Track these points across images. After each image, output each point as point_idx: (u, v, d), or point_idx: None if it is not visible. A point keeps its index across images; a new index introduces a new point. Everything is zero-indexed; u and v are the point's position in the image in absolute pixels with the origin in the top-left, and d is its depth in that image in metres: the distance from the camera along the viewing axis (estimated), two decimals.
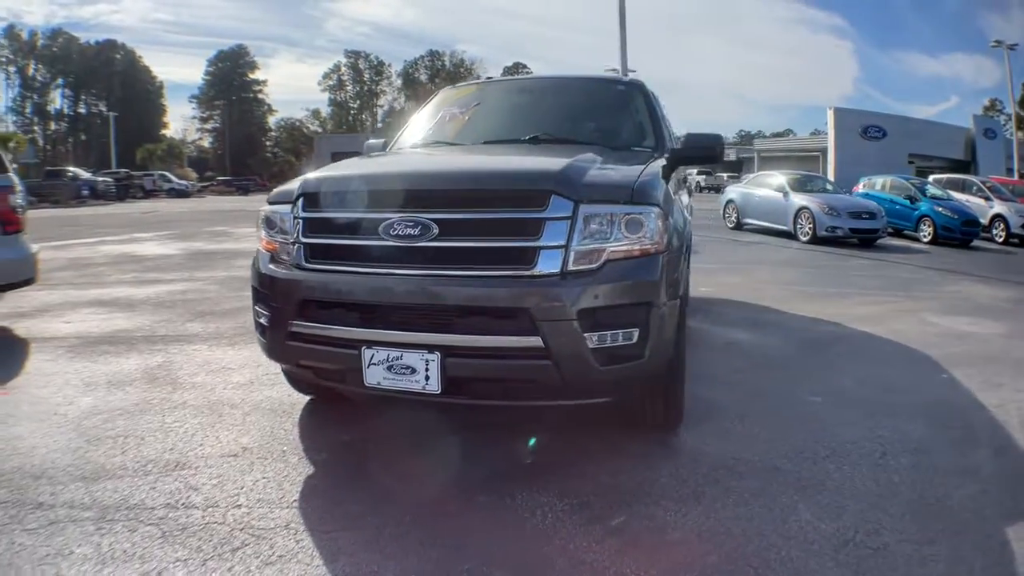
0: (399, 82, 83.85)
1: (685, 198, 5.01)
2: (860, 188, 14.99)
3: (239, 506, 2.11)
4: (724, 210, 14.85)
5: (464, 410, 2.85)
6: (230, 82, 78.49)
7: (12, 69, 69.63)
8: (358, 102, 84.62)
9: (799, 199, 12.23)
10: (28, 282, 4.30)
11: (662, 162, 3.12)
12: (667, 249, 2.30)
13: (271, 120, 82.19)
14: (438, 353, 2.09)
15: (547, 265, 2.10)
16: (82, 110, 73.23)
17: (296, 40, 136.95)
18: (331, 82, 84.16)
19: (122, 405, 3.05)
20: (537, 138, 3.23)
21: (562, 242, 2.11)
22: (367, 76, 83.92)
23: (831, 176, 24.94)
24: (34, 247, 4.34)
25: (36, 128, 70.26)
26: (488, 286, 2.08)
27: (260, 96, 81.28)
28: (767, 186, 13.62)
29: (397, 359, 2.12)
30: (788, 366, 3.99)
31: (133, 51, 76.97)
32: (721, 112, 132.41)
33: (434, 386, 2.11)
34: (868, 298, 6.50)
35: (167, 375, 3.54)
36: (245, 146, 72.24)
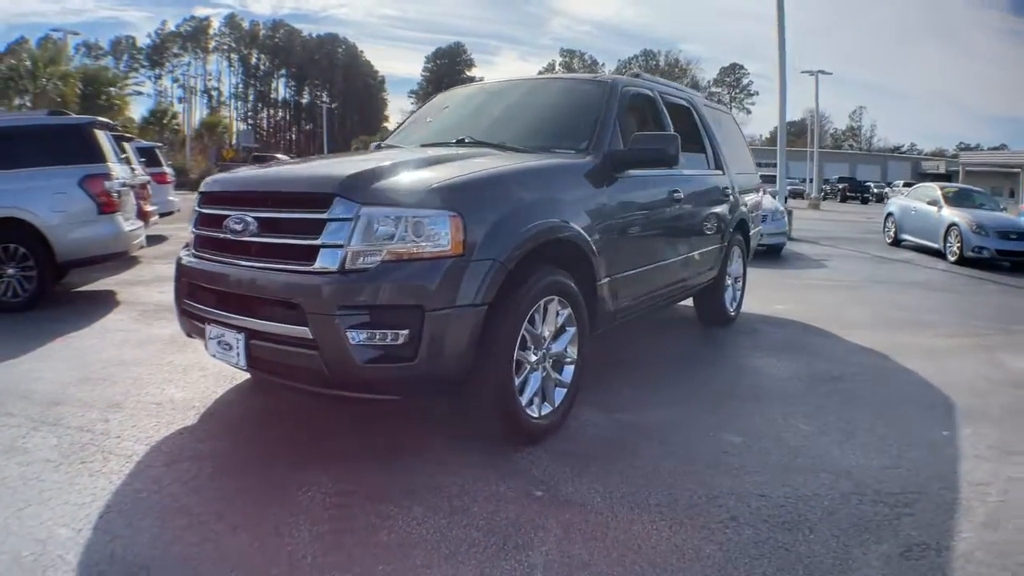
0: None
1: (720, 208, 5.04)
2: None
3: (118, 437, 3.06)
4: (884, 224, 14.30)
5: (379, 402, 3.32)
6: (447, 79, 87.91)
7: (235, 57, 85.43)
8: None
9: (951, 214, 11.45)
10: (122, 254, 5.94)
11: (591, 165, 3.45)
12: (464, 255, 2.62)
13: None
14: (244, 334, 2.80)
15: (326, 262, 2.60)
16: (305, 100, 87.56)
17: (520, 38, 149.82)
18: None
19: (129, 358, 4.28)
20: (463, 141, 3.78)
21: (341, 242, 2.59)
22: None
23: None
24: (128, 225, 5.96)
25: (262, 114, 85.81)
26: (275, 278, 2.71)
27: None
28: (923, 199, 12.82)
29: (221, 336, 2.89)
30: (759, 398, 3.84)
31: (354, 45, 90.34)
32: (942, 124, 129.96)
33: (243, 363, 2.83)
34: (954, 329, 6.02)
35: (186, 341, 4.73)
36: None
